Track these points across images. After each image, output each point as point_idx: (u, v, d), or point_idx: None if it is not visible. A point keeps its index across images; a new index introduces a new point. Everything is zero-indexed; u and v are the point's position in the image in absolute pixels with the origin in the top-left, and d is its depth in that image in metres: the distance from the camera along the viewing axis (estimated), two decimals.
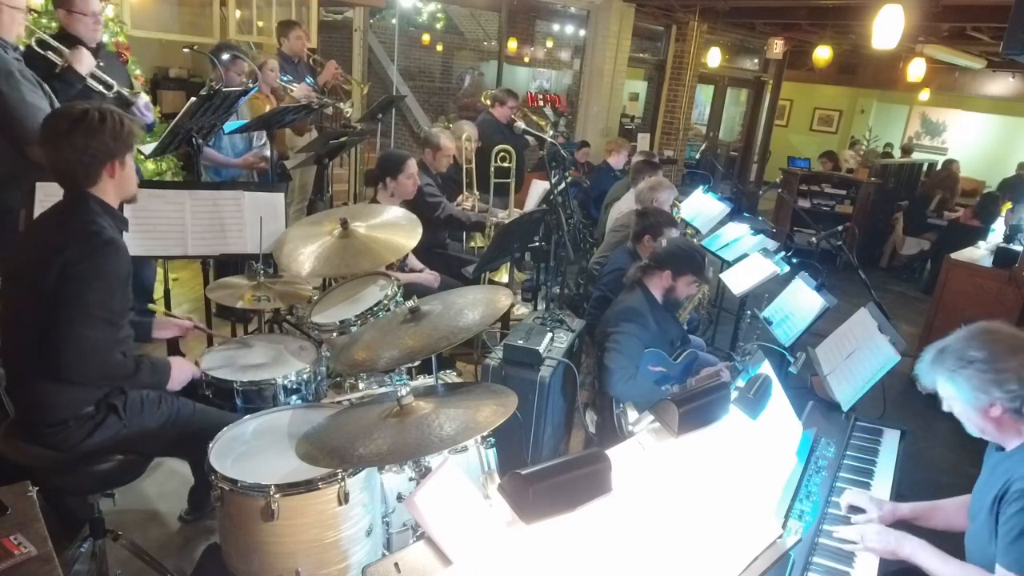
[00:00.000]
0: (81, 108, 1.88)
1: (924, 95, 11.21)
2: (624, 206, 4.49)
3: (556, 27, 10.52)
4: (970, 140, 12.03)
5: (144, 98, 3.38)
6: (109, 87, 3.19)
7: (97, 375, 1.91)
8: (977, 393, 1.63)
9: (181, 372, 2.14)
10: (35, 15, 3.69)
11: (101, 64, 3.24)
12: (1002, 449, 1.72)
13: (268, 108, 4.26)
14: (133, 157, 2.00)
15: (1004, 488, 1.63)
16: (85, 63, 3.10)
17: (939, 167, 9.44)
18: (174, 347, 2.63)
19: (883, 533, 1.78)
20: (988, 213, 7.04)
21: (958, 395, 1.67)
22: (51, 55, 3.05)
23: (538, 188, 4.84)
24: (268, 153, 3.90)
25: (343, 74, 5.37)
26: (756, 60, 11.27)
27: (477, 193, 4.88)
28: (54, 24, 3.75)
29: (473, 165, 4.90)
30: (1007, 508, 1.60)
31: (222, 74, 3.92)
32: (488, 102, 5.78)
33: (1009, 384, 1.59)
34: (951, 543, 1.84)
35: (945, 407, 1.74)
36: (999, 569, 1.58)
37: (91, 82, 3.15)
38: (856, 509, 1.93)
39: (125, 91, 3.33)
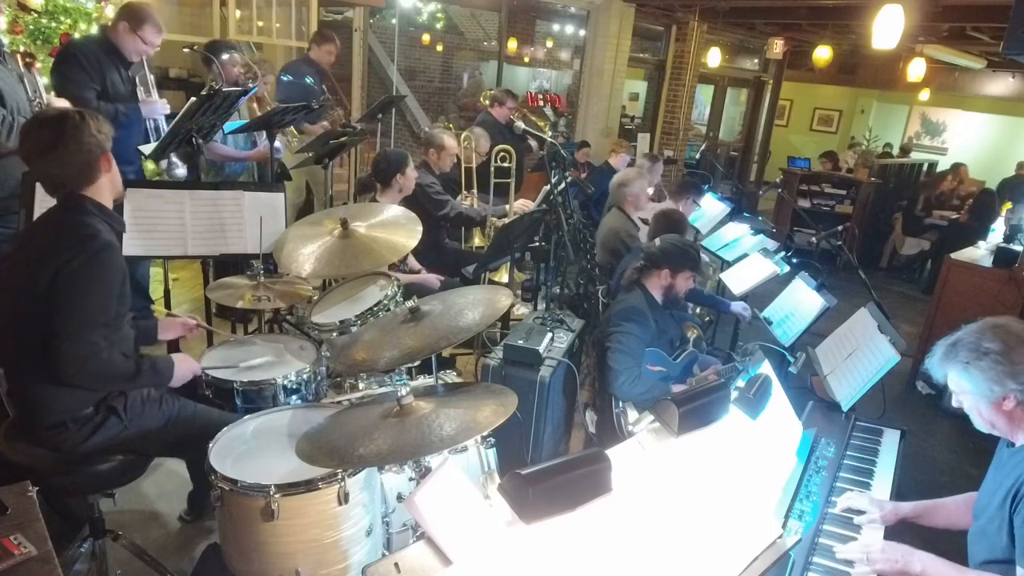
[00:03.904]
0: (57, 112, 1.89)
1: (924, 95, 11.18)
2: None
3: (556, 27, 10.51)
4: (970, 140, 12.02)
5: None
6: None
7: (100, 379, 1.90)
8: (991, 385, 1.61)
9: (183, 368, 2.14)
10: (35, 15, 3.69)
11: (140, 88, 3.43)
12: (1012, 445, 1.71)
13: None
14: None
15: (1018, 485, 1.61)
16: (156, 111, 3.40)
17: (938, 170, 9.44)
18: (173, 347, 2.63)
19: (889, 550, 1.69)
20: (984, 212, 7.03)
21: (971, 388, 1.66)
22: None
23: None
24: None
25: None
26: (756, 60, 11.26)
27: (476, 192, 4.89)
28: (66, 23, 3.74)
29: (473, 166, 4.91)
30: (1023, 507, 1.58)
31: (220, 72, 3.91)
32: (487, 102, 5.77)
33: (1023, 376, 1.59)
34: (952, 541, 1.84)
35: (955, 402, 1.72)
36: (1020, 572, 1.55)
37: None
38: (856, 512, 1.92)
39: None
